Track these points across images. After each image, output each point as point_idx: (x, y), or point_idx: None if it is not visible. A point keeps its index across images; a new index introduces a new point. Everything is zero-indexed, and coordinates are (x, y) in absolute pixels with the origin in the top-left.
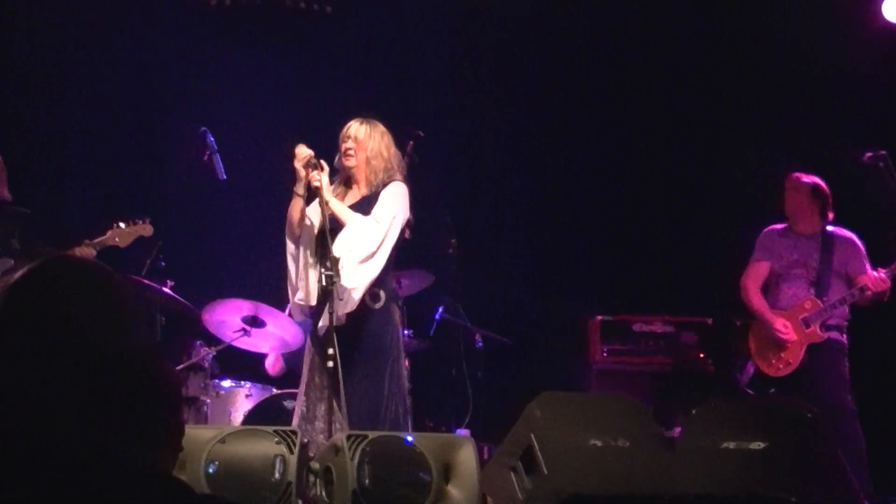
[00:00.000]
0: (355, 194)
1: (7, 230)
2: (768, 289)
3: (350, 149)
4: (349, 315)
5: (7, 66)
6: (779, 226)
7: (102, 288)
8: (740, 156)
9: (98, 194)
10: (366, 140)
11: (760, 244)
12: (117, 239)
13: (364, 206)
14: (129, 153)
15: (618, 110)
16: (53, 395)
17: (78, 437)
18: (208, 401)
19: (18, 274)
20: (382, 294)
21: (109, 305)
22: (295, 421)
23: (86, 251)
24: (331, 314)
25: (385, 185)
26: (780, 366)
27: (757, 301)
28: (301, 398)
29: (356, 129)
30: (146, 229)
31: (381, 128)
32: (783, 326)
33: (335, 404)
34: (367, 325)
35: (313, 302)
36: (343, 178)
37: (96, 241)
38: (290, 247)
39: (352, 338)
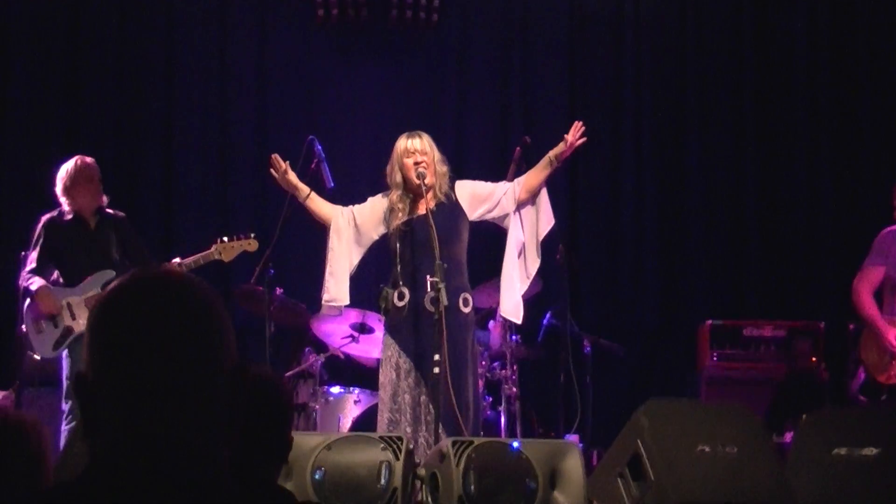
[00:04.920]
0: (426, 204)
1: (107, 240)
2: (883, 295)
3: (422, 163)
4: (440, 320)
5: (121, 80)
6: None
7: (192, 301)
8: (855, 156)
9: (211, 204)
10: (431, 151)
11: (877, 248)
12: (221, 254)
13: (447, 212)
14: (239, 163)
15: (728, 111)
16: (162, 411)
17: (188, 450)
18: (317, 407)
19: (107, 290)
20: (470, 299)
21: (201, 319)
22: (381, 428)
23: (173, 269)
24: (437, 320)
25: (451, 187)
26: (893, 373)
27: (869, 308)
28: (387, 403)
29: (420, 144)
30: (251, 244)
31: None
32: (895, 338)
33: (432, 409)
34: (456, 330)
35: (345, 302)
36: (409, 192)
37: (190, 259)
38: (333, 241)
39: (442, 343)
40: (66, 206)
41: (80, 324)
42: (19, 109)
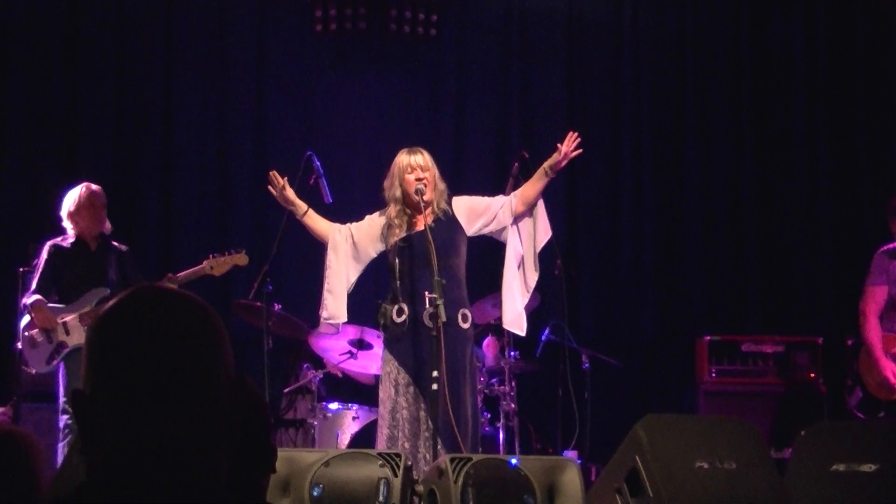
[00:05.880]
0: (424, 219)
1: (105, 261)
2: (885, 312)
3: (423, 179)
4: (438, 336)
5: (119, 93)
6: (892, 245)
7: (190, 316)
8: (854, 170)
9: (209, 219)
10: (432, 168)
11: (876, 267)
12: (211, 268)
13: (445, 228)
14: (237, 177)
15: (727, 123)
16: (161, 424)
17: (188, 463)
18: (316, 423)
19: (106, 305)
20: (469, 314)
21: (199, 333)
22: (380, 444)
23: (168, 286)
24: (436, 336)
25: (449, 203)
26: (893, 392)
27: (872, 334)
28: (386, 419)
29: (423, 160)
30: (241, 259)
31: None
32: (893, 375)
33: (430, 424)
34: (454, 345)
35: (342, 319)
36: (408, 207)
37: (182, 274)
38: (330, 258)
39: (440, 358)
40: (69, 231)
41: (74, 339)
42: (16, 123)
